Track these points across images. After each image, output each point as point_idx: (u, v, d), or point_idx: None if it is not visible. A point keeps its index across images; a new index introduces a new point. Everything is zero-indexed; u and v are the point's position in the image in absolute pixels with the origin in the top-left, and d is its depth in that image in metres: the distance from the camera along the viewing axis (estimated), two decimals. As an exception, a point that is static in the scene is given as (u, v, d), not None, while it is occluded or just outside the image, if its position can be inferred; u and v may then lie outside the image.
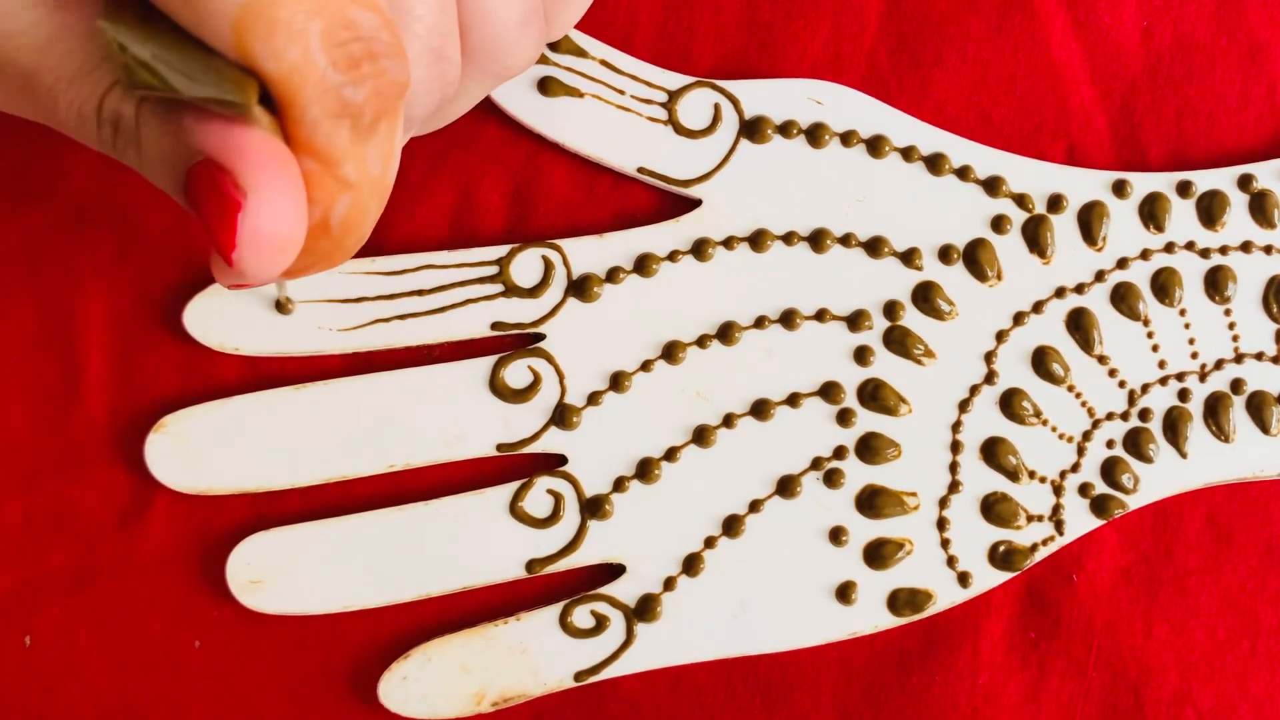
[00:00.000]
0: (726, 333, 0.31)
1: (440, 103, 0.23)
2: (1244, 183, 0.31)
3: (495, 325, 0.31)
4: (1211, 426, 0.31)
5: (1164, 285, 0.31)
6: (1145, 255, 0.31)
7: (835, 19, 0.32)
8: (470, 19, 0.23)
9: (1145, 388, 0.31)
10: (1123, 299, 0.31)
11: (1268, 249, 0.31)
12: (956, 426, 0.31)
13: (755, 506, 0.30)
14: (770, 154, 0.31)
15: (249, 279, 0.20)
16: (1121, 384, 0.31)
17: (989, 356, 0.31)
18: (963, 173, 0.31)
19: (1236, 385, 0.31)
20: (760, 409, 0.31)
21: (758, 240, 0.31)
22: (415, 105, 0.22)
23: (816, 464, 0.31)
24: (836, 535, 0.30)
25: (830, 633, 0.30)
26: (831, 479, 0.30)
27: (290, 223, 0.20)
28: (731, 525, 0.30)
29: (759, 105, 0.31)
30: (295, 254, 0.20)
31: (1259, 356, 0.31)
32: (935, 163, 0.31)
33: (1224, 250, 0.31)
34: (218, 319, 0.30)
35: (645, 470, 0.30)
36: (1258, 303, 0.31)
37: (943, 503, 0.31)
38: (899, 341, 0.31)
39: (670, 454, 0.30)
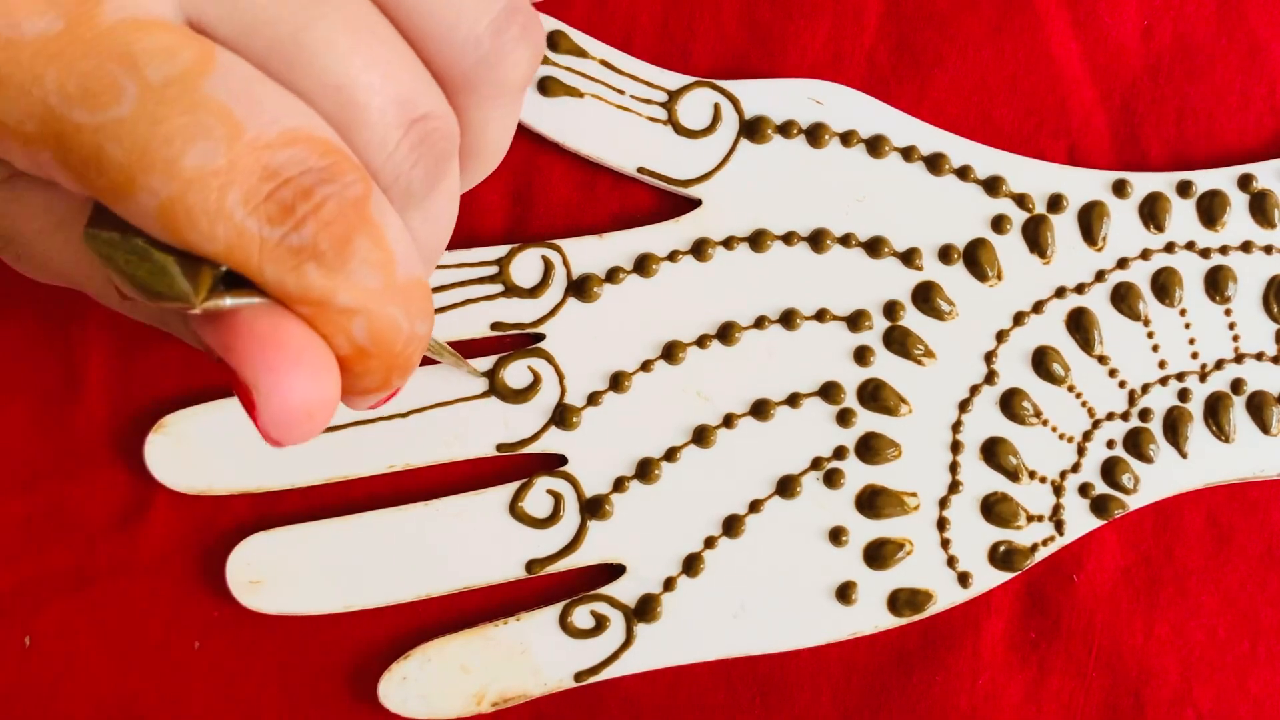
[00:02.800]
0: (726, 333, 0.31)
1: (446, 154, 0.22)
2: (1244, 183, 0.31)
3: (495, 325, 0.31)
4: (1212, 426, 0.31)
5: (1164, 285, 0.31)
6: (1145, 255, 0.31)
7: (835, 19, 0.32)
8: (434, 55, 0.22)
9: (1145, 388, 0.31)
10: (1123, 299, 0.31)
11: (1268, 249, 0.31)
12: (957, 426, 0.31)
13: (755, 506, 0.30)
14: (770, 154, 0.31)
15: (297, 442, 0.20)
16: (1122, 384, 0.31)
17: (989, 356, 0.31)
18: (963, 173, 0.31)
19: (1237, 385, 0.31)
20: (760, 409, 0.31)
21: (758, 240, 0.31)
22: (411, 181, 0.21)
23: (816, 464, 0.31)
24: (836, 535, 0.30)
25: (830, 633, 0.30)
26: (831, 479, 0.30)
27: (304, 393, 0.19)
28: (731, 525, 0.30)
29: (759, 105, 0.31)
30: (331, 409, 0.20)
31: (1259, 356, 0.31)
32: (935, 163, 0.31)
33: (1224, 250, 0.31)
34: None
35: (645, 470, 0.30)
36: (1258, 303, 0.31)
37: (943, 503, 0.31)
38: (899, 341, 0.31)
39: (670, 454, 0.30)
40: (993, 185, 0.31)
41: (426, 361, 0.30)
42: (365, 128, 0.20)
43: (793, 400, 0.31)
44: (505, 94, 0.23)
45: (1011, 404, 0.31)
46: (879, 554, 0.30)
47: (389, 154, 0.21)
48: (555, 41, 0.31)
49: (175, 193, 0.18)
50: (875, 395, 0.31)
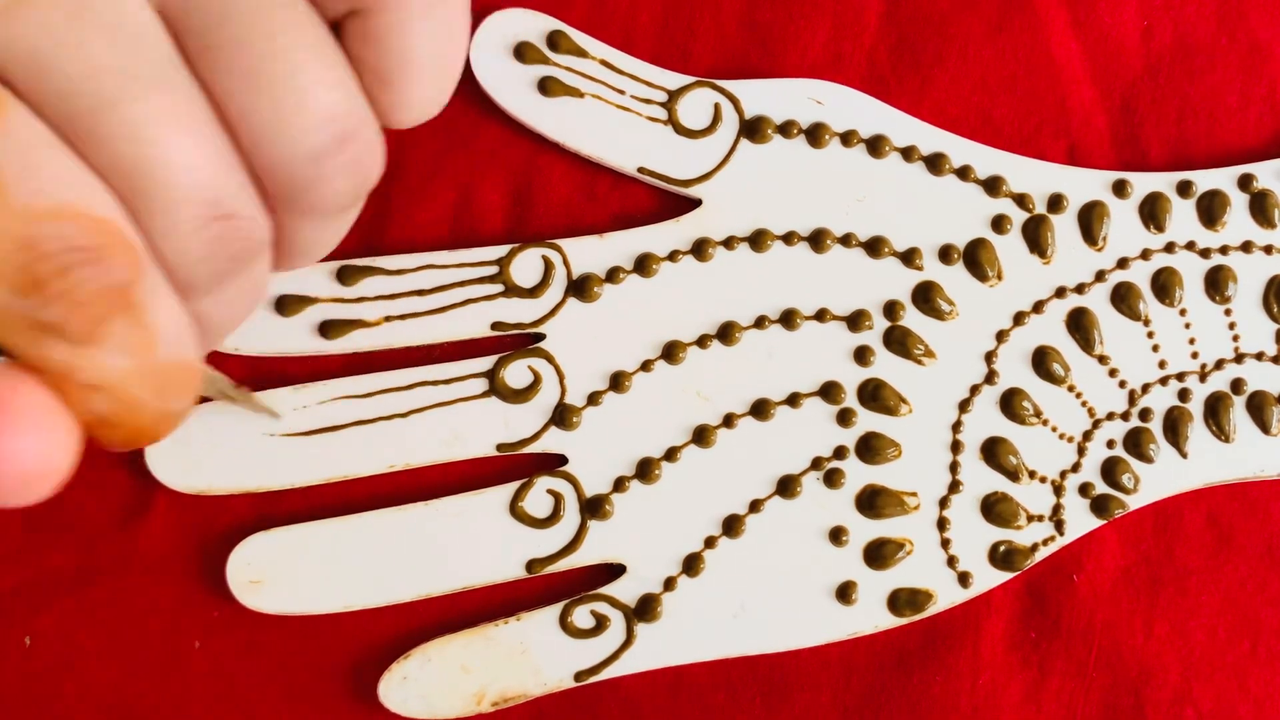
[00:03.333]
0: (727, 333, 0.31)
1: (245, 254, 0.21)
2: (1244, 183, 0.31)
3: (495, 325, 0.31)
4: (1212, 426, 0.31)
5: (1164, 285, 0.31)
6: (1145, 255, 0.31)
7: (835, 19, 0.32)
8: (255, 160, 0.21)
9: (1146, 388, 0.31)
10: (1123, 299, 0.31)
11: (1268, 249, 0.31)
12: (957, 426, 0.31)
13: (755, 506, 0.30)
14: (770, 154, 0.31)
15: (24, 503, 0.19)
16: (1122, 384, 0.31)
17: (989, 356, 0.31)
18: (963, 173, 0.31)
19: (1237, 385, 0.31)
20: (760, 409, 0.31)
21: (758, 240, 0.31)
22: (198, 272, 0.20)
23: (817, 464, 0.31)
24: (837, 535, 0.30)
25: (830, 633, 0.30)
26: (832, 479, 0.30)
27: (31, 457, 0.19)
28: (732, 525, 0.30)
29: (759, 105, 0.31)
30: (63, 473, 0.19)
31: (1259, 356, 0.31)
32: (935, 163, 0.31)
33: (1224, 250, 0.31)
34: (218, 319, 0.30)
35: (645, 470, 0.30)
36: (1258, 303, 0.31)
37: (943, 503, 0.31)
38: (899, 341, 0.31)
39: (670, 454, 0.30)
40: (993, 185, 0.31)
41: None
42: (155, 215, 0.19)
43: (793, 400, 0.31)
44: (320, 216, 0.22)
45: (1012, 404, 0.31)
46: (879, 554, 0.30)
47: (176, 246, 0.20)
48: (555, 41, 0.31)
49: None
50: (875, 395, 0.31)
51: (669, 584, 0.30)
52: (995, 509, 0.31)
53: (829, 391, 0.31)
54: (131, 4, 0.19)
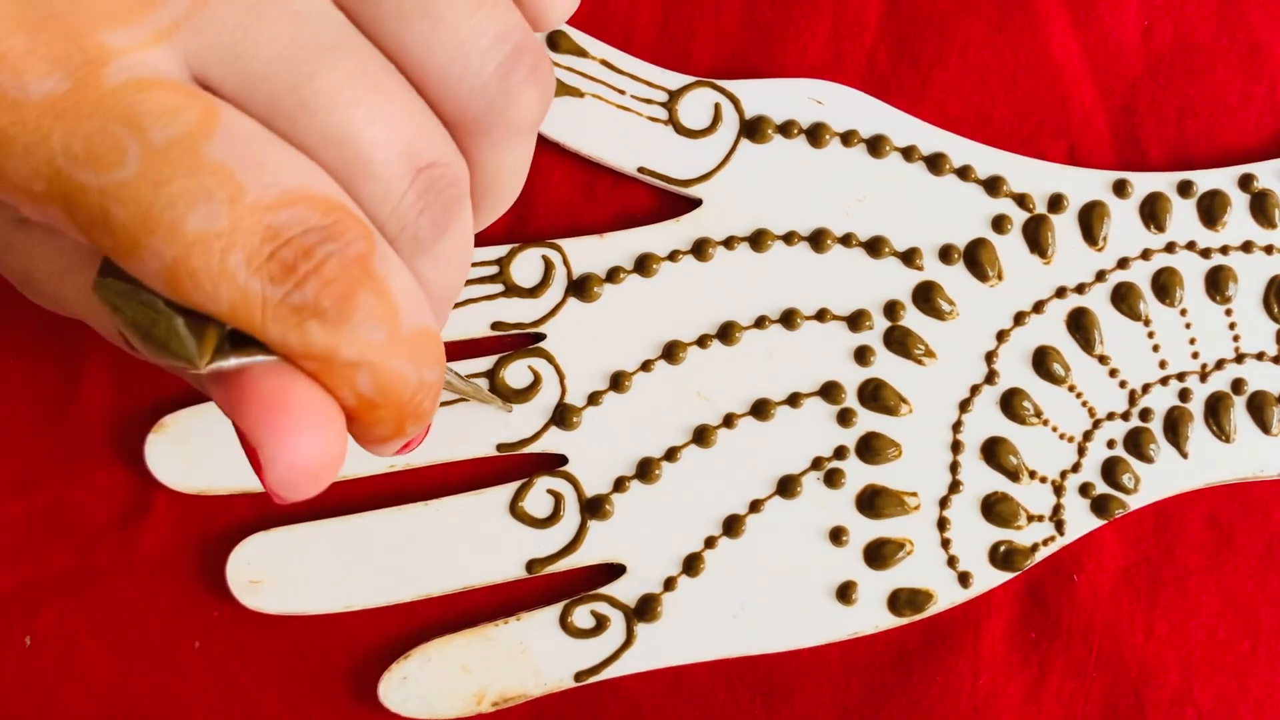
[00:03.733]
0: (727, 333, 0.31)
1: (454, 200, 0.21)
2: (1245, 182, 0.31)
3: (495, 325, 0.31)
4: (1212, 426, 0.31)
5: (1165, 285, 0.31)
6: (1146, 255, 0.31)
7: (835, 19, 0.32)
8: (442, 100, 0.21)
9: (1146, 388, 0.31)
10: (1123, 299, 0.31)
11: (1268, 249, 0.31)
12: (957, 426, 0.31)
13: (755, 506, 0.30)
14: (771, 154, 0.31)
15: (303, 498, 0.20)
16: (1122, 384, 0.31)
17: (989, 356, 0.31)
18: (963, 172, 0.31)
19: (1237, 385, 0.31)
20: (760, 409, 0.31)
21: (758, 240, 0.31)
22: (419, 229, 0.21)
23: (817, 464, 0.31)
24: (837, 535, 0.30)
25: (830, 633, 0.30)
26: (832, 479, 0.30)
27: (309, 453, 0.19)
28: (732, 525, 0.30)
29: (759, 105, 0.31)
30: (338, 465, 0.20)
31: (1260, 356, 0.31)
32: (936, 162, 0.31)
33: (1225, 250, 0.31)
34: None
35: (645, 470, 0.30)
36: (1258, 303, 0.31)
37: (943, 503, 0.31)
38: (899, 341, 0.31)
39: (670, 454, 0.30)
40: (993, 185, 0.31)
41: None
42: (369, 180, 0.20)
43: (793, 400, 0.31)
44: (515, 136, 0.22)
45: (1012, 404, 0.31)
46: (879, 554, 0.30)
47: (394, 206, 0.20)
48: (555, 41, 0.31)
49: (179, 255, 0.18)
50: (876, 395, 0.31)
51: (669, 584, 0.30)
52: (995, 509, 0.31)
53: (829, 391, 0.31)
54: None
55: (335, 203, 0.19)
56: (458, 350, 0.31)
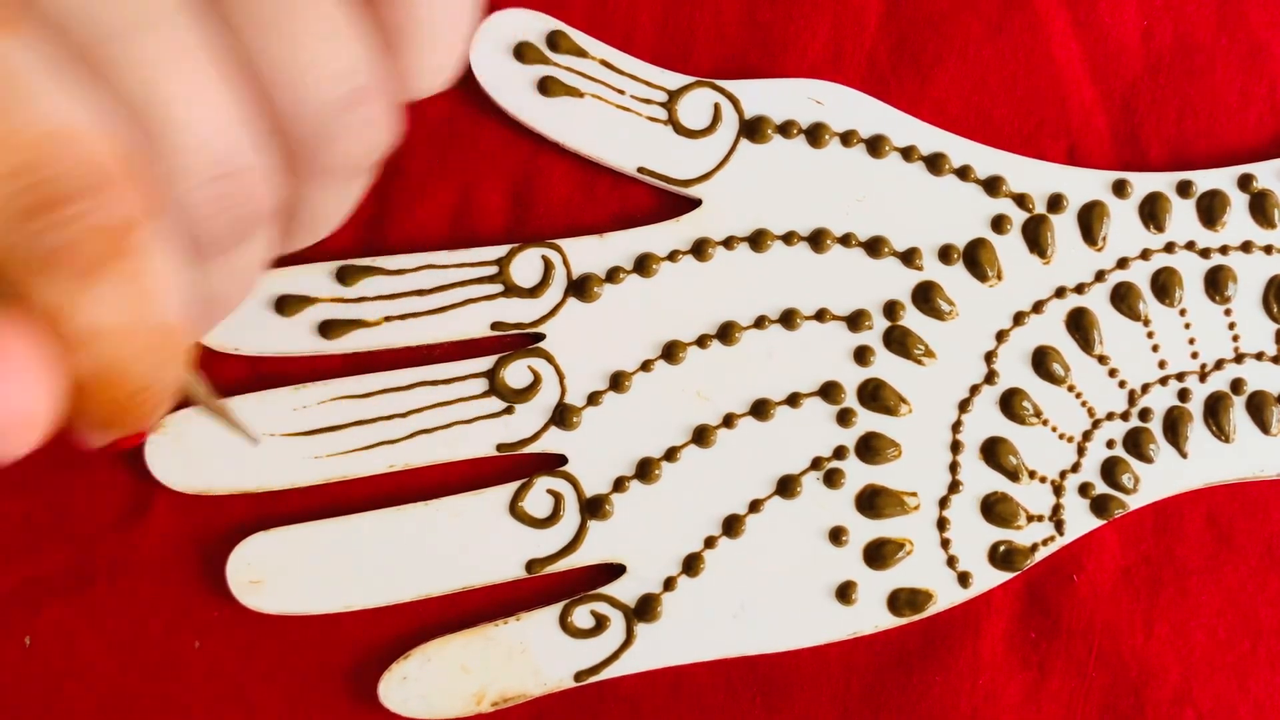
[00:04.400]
0: (726, 333, 0.31)
1: (251, 218, 0.20)
2: (1244, 183, 0.31)
3: (495, 325, 0.31)
4: (1212, 426, 0.31)
5: (1164, 285, 0.31)
6: (1145, 255, 0.31)
7: (835, 19, 0.32)
8: (276, 110, 0.20)
9: (1145, 388, 0.31)
10: (1123, 299, 0.31)
11: (1268, 249, 0.31)
12: (957, 426, 0.31)
13: (755, 506, 0.30)
14: (770, 154, 0.31)
15: (7, 455, 0.18)
16: (1122, 384, 0.31)
17: (989, 356, 0.31)
18: (963, 172, 0.31)
19: (1237, 385, 0.31)
20: (760, 409, 0.31)
21: (758, 240, 0.31)
22: (211, 228, 0.20)
23: (817, 464, 0.31)
24: (837, 535, 0.30)
25: (830, 633, 0.30)
26: (832, 479, 0.30)
27: (22, 399, 0.18)
28: (732, 525, 0.30)
29: (759, 105, 0.31)
30: (43, 429, 0.18)
31: (1259, 356, 0.31)
32: (935, 162, 0.31)
33: (1224, 250, 0.31)
34: (218, 319, 0.30)
35: (645, 470, 0.30)
36: (1258, 303, 0.31)
37: (943, 503, 0.31)
38: (899, 341, 0.31)
39: (670, 454, 0.30)
40: (993, 185, 0.31)
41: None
42: (164, 158, 0.19)
43: (793, 400, 0.31)
44: (338, 174, 0.21)
45: (1011, 404, 0.31)
46: (879, 554, 0.30)
47: (185, 195, 0.19)
48: (555, 41, 0.31)
49: None
50: (875, 395, 0.31)
51: (669, 584, 0.30)
52: (995, 509, 0.31)
53: (829, 391, 0.31)
54: None
55: (116, 160, 0.18)
56: (458, 350, 0.31)
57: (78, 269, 0.17)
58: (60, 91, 0.17)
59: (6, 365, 0.18)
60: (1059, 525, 0.31)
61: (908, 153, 0.31)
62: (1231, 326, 0.31)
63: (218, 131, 0.19)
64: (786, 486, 0.30)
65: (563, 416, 0.30)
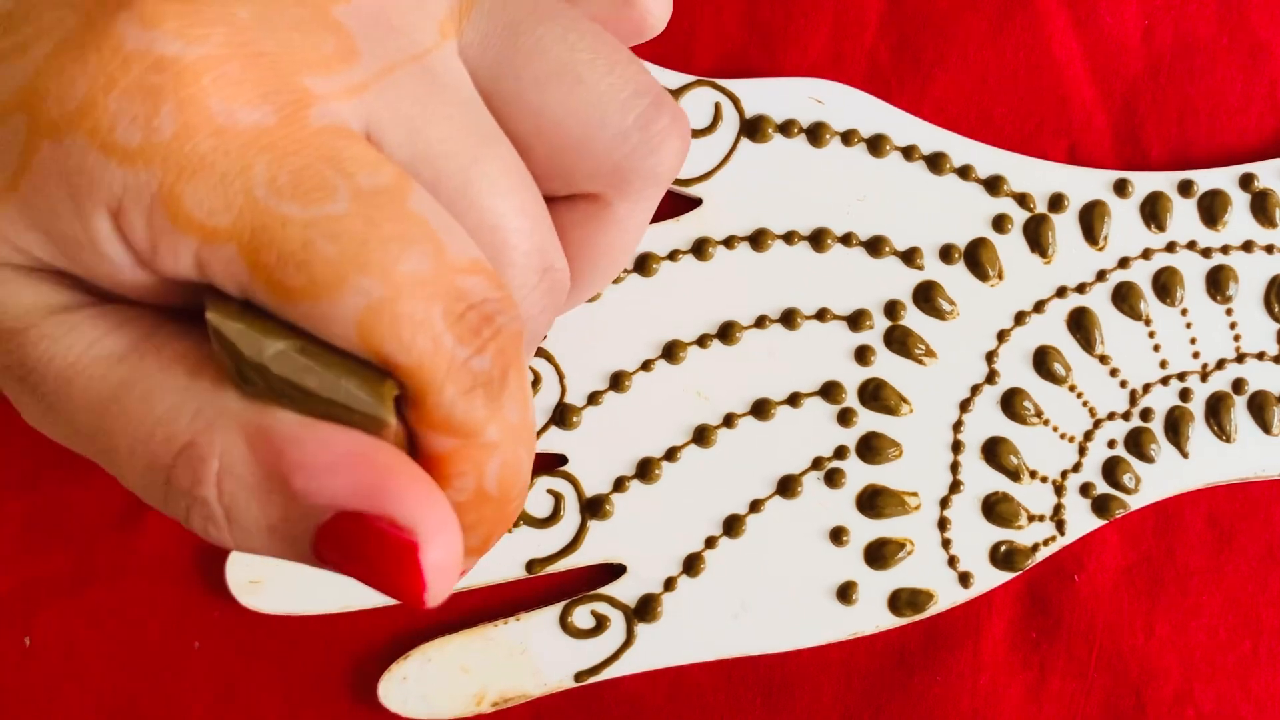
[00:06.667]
0: (727, 332, 0.31)
1: (561, 305, 0.22)
2: (1245, 182, 0.31)
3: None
4: (1213, 426, 0.31)
5: (1165, 285, 0.31)
6: (1147, 255, 0.31)
7: (836, 18, 0.32)
8: (583, 157, 0.22)
9: (1147, 387, 0.31)
10: (1124, 298, 0.31)
11: (1269, 248, 0.31)
12: (958, 426, 0.31)
13: (756, 506, 0.30)
14: (771, 153, 0.31)
15: (438, 602, 0.19)
16: (1123, 384, 0.31)
17: (990, 356, 0.31)
18: (964, 172, 0.31)
19: (1238, 385, 0.31)
20: (761, 409, 0.31)
21: (758, 239, 0.31)
22: (536, 326, 0.21)
23: (817, 464, 0.31)
24: (837, 535, 0.30)
25: (831, 633, 0.30)
26: (832, 479, 0.30)
27: (458, 536, 0.19)
28: (732, 525, 0.30)
29: (759, 104, 0.31)
30: (461, 560, 0.19)
31: (1260, 356, 0.31)
32: (936, 162, 0.31)
33: (1225, 250, 0.31)
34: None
35: (645, 470, 0.30)
36: (1259, 302, 0.31)
37: (944, 503, 0.31)
38: (900, 341, 0.31)
39: (670, 454, 0.30)
40: (994, 185, 0.31)
41: None
42: (510, 269, 0.20)
43: (793, 400, 0.31)
44: (654, 186, 0.23)
45: (1012, 404, 0.31)
46: (880, 554, 0.30)
47: (524, 299, 0.21)
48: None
49: (387, 296, 0.18)
50: (876, 395, 0.31)
51: (669, 584, 0.30)
52: (996, 509, 0.31)
53: (829, 391, 0.31)
54: (458, 67, 0.21)
55: (500, 279, 0.19)
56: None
57: (497, 384, 0.19)
58: (458, 229, 0.19)
59: (440, 509, 0.18)
60: (1060, 525, 0.31)
61: (908, 152, 0.31)
62: (1233, 326, 0.31)
63: (541, 236, 0.21)
64: (787, 486, 0.30)
65: (563, 416, 0.30)
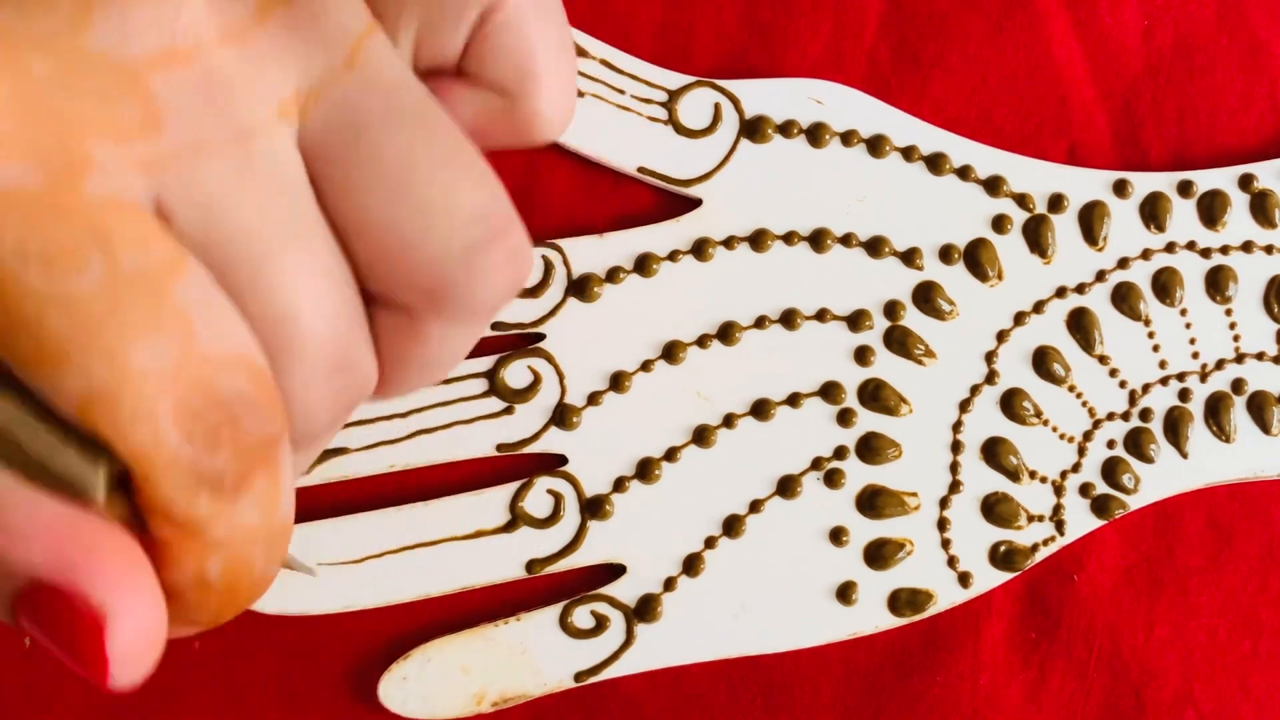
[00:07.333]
0: (727, 333, 0.31)
1: (357, 404, 0.21)
2: (1245, 182, 0.31)
3: (495, 325, 0.31)
4: (1212, 426, 0.31)
5: (1165, 285, 0.31)
6: (1146, 255, 0.31)
7: (836, 18, 0.32)
8: (388, 266, 0.20)
9: (1146, 388, 0.31)
10: (1124, 299, 0.31)
11: (1269, 249, 0.31)
12: (957, 426, 0.31)
13: (756, 506, 0.30)
14: (771, 154, 0.31)
15: (136, 680, 0.18)
16: (1122, 384, 0.31)
17: (990, 356, 0.31)
18: (963, 172, 0.31)
19: (1237, 385, 0.31)
20: (761, 409, 0.31)
21: (758, 240, 0.31)
22: (318, 425, 0.20)
23: (817, 464, 0.31)
24: (837, 535, 0.30)
25: (831, 633, 0.30)
26: (832, 479, 0.30)
27: (157, 622, 0.18)
28: (732, 525, 0.30)
29: (759, 105, 0.31)
30: (162, 642, 0.19)
31: (1260, 356, 0.31)
32: (936, 162, 0.31)
33: (1225, 250, 0.31)
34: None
35: (645, 470, 0.30)
36: (1258, 303, 0.31)
37: (943, 503, 0.31)
38: (900, 341, 0.31)
39: (670, 454, 0.30)
40: (993, 185, 0.31)
41: None
42: (293, 365, 0.19)
43: (793, 400, 0.31)
44: (469, 318, 0.21)
45: (1012, 404, 0.31)
46: (879, 554, 0.30)
47: (306, 396, 0.20)
48: (555, 41, 0.31)
49: (110, 383, 0.17)
50: (876, 395, 0.31)
51: (669, 584, 0.30)
52: (996, 509, 0.31)
53: (829, 391, 0.31)
54: (286, 152, 0.20)
55: (267, 377, 0.18)
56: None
57: (229, 487, 0.18)
58: (225, 318, 0.18)
59: (141, 595, 0.18)
60: (1059, 525, 0.31)
61: (908, 152, 0.31)
62: (1232, 326, 0.31)
63: (340, 334, 0.20)
64: (787, 486, 0.30)
65: (563, 416, 0.30)
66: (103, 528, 0.18)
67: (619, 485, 0.30)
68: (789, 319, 0.31)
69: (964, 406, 0.31)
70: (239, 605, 0.20)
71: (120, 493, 0.18)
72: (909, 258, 0.31)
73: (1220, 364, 0.31)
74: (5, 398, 0.18)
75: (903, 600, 0.30)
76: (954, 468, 0.31)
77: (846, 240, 0.31)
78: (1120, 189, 0.31)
